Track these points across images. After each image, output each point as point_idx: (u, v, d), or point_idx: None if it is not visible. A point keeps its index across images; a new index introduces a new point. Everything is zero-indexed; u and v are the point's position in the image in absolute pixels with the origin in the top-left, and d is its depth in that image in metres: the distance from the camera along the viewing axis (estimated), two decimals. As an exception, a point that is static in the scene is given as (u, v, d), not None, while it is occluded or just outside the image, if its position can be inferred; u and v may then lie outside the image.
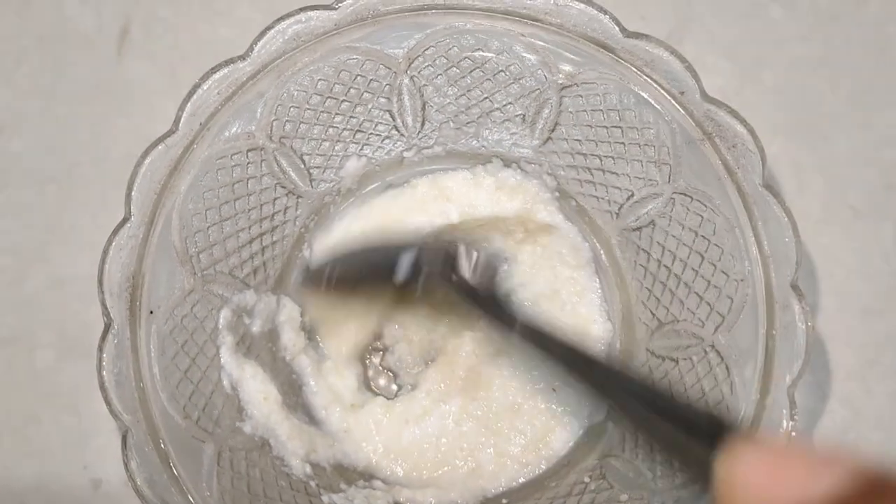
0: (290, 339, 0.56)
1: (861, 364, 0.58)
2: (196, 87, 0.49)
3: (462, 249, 0.52)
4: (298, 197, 0.57)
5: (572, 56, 0.51)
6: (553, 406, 0.55)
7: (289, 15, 0.50)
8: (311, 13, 0.51)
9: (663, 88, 0.50)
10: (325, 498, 0.51)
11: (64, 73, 0.66)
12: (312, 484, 0.52)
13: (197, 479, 0.46)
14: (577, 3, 0.50)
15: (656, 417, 0.37)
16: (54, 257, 0.61)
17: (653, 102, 0.50)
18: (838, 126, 0.63)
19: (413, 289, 0.52)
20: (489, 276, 0.52)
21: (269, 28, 0.50)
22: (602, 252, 0.58)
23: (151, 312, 0.48)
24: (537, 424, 0.55)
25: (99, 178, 0.63)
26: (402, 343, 0.58)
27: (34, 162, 0.64)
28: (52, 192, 0.63)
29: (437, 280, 0.51)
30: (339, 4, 0.51)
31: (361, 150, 0.57)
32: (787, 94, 0.63)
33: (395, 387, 0.58)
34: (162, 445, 0.46)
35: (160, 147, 0.49)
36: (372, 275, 0.54)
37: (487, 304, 0.50)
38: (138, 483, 0.45)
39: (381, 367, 0.59)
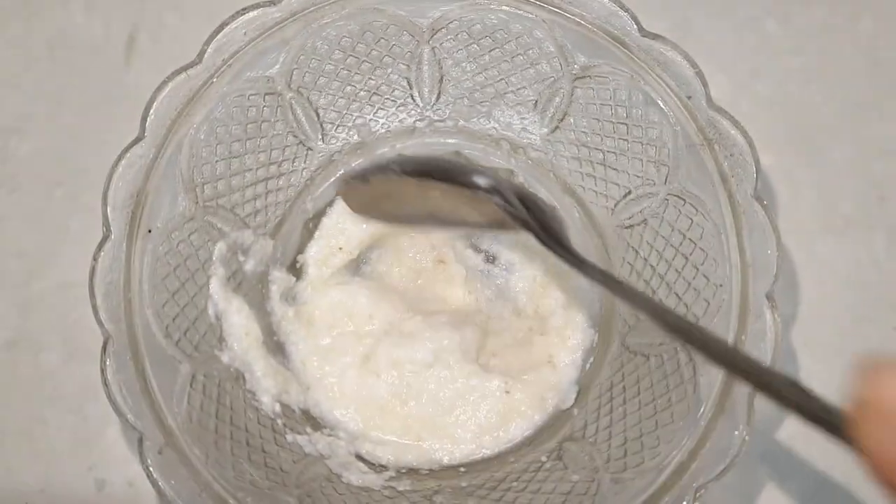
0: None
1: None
2: (224, 24, 0.51)
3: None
4: (308, 149, 0.58)
5: (589, 48, 0.53)
6: (516, 396, 0.56)
7: (323, -32, 0.52)
8: (344, -30, 0.53)
9: (672, 90, 0.51)
10: (289, 437, 0.53)
11: (72, 80, 0.66)
12: (279, 422, 0.53)
13: (168, 395, 0.48)
14: (600, -5, 0.51)
15: None
16: (61, 261, 0.61)
17: (660, 103, 0.51)
18: (831, 137, 0.64)
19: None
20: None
21: (302, -22, 0.52)
22: (595, 246, 0.59)
23: (150, 231, 0.50)
24: (493, 415, 0.55)
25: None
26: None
27: (42, 167, 0.64)
28: (60, 196, 0.63)
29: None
30: (373, -34, 0.53)
31: (376, 113, 0.59)
32: (781, 105, 0.64)
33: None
34: (140, 357, 0.47)
35: (182, 76, 0.51)
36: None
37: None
38: (112, 389, 0.46)
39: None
